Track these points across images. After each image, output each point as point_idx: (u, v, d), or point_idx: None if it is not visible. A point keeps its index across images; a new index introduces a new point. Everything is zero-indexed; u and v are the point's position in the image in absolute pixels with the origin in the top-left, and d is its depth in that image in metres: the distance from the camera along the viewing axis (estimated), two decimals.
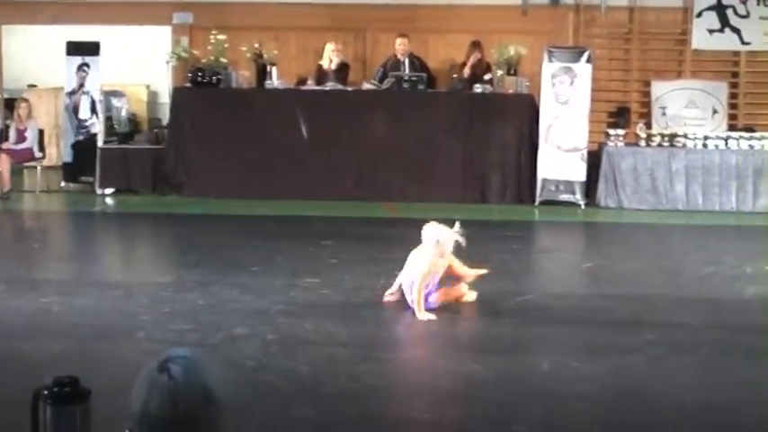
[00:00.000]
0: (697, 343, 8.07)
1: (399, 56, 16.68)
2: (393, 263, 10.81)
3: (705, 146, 15.81)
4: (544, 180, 15.83)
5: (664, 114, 17.36)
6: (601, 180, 15.81)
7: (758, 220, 14.93)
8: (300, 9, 17.45)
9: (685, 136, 15.91)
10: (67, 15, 17.40)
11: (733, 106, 17.63)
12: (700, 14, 17.61)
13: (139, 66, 17.57)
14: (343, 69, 16.65)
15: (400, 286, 9.01)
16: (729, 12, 17.55)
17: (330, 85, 16.23)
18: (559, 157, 15.76)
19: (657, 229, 14.37)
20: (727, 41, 17.66)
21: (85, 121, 16.72)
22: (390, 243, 12.17)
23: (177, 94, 16.37)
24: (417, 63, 16.71)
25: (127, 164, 16.19)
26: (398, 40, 16.71)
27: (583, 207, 15.69)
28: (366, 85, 16.44)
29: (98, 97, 16.63)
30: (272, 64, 16.29)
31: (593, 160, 15.89)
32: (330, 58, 16.59)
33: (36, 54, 18.53)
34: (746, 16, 17.55)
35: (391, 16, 17.43)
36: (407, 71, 16.44)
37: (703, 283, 10.47)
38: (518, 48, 16.15)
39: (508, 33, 16.81)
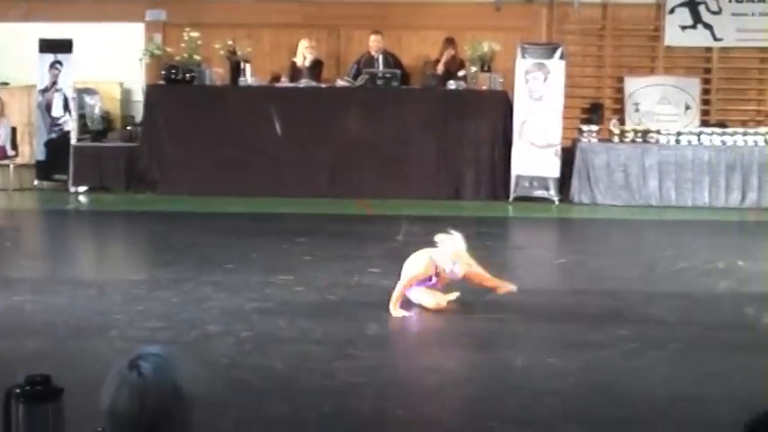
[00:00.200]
0: (669, 338, 8.12)
1: (373, 53, 16.67)
2: (367, 260, 10.87)
3: (678, 142, 15.87)
4: (518, 176, 15.86)
5: (637, 110, 17.41)
6: (574, 176, 15.85)
7: (731, 216, 15.01)
8: (274, 6, 17.41)
9: (658, 132, 15.98)
10: (40, 13, 17.30)
11: (705, 102, 17.70)
12: (672, 11, 17.67)
13: (113, 63, 17.48)
14: (316, 66, 16.62)
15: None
16: (702, 8, 17.62)
17: (304, 83, 16.21)
18: (533, 154, 15.80)
19: (631, 225, 14.42)
20: (700, 38, 17.73)
21: (58, 119, 16.65)
22: (364, 240, 12.22)
23: (151, 91, 16.31)
24: (391, 60, 16.71)
25: (100, 162, 16.13)
26: (372, 37, 16.70)
27: (557, 203, 15.73)
28: (340, 82, 16.43)
29: (71, 95, 16.55)
30: (246, 61, 16.26)
31: (567, 156, 15.93)
32: (304, 55, 16.56)
33: (8, 52, 18.41)
34: (718, 12, 17.61)
35: (365, 13, 17.42)
36: (381, 68, 16.44)
37: (676, 279, 10.52)
38: (491, 44, 16.17)
39: (482, 30, 16.82)
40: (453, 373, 7.20)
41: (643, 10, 17.89)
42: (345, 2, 17.59)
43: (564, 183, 15.90)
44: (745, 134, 15.96)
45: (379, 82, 16.10)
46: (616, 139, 16.02)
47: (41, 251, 12.37)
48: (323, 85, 16.37)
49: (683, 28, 17.68)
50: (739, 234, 13.96)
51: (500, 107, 16.04)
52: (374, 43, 16.67)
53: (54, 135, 16.60)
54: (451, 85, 16.06)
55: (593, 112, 17.11)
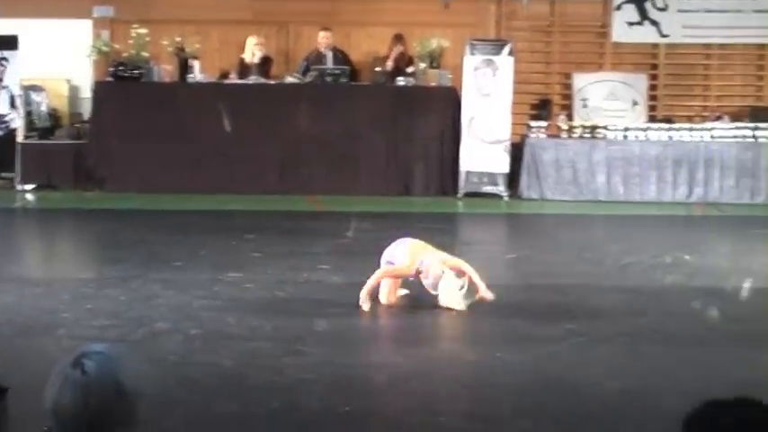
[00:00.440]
0: (618, 331, 8.19)
1: (322, 49, 16.65)
2: (316, 256, 10.87)
3: (626, 137, 16.00)
4: (467, 172, 15.90)
5: (585, 106, 17.50)
6: (523, 172, 15.92)
7: (677, 210, 15.15)
8: (222, 2, 17.33)
9: (606, 128, 16.09)
10: None
11: (653, 98, 17.82)
12: (619, 7, 17.77)
13: (60, 60, 17.31)
14: (265, 63, 16.57)
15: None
16: (648, 5, 17.74)
17: (253, 79, 16.16)
18: (482, 150, 15.84)
19: (579, 220, 14.51)
20: (647, 34, 17.85)
21: (5, 116, 16.50)
22: (314, 236, 12.22)
23: (98, 88, 16.20)
24: (340, 56, 16.69)
25: (48, 159, 16.00)
26: (321, 34, 16.67)
27: (506, 199, 15.79)
28: (289, 79, 16.40)
29: (17, 92, 16.39)
30: (195, 58, 16.19)
31: (516, 152, 15.99)
32: (253, 51, 16.50)
33: None
34: (665, 9, 17.74)
35: (314, 9, 17.38)
36: (330, 64, 16.42)
37: (624, 273, 10.61)
38: (440, 41, 16.20)
39: (430, 26, 16.84)
40: (403, 369, 7.21)
41: (590, 6, 17.98)
42: None
43: (513, 178, 15.96)
44: (691, 130, 16.11)
45: (328, 79, 16.09)
46: (564, 134, 16.11)
47: None
48: (272, 82, 16.33)
49: (630, 24, 17.80)
50: (686, 228, 14.08)
51: (449, 103, 16.07)
52: (323, 40, 16.65)
53: (0, 132, 16.44)
54: (400, 81, 16.08)
55: (542, 108, 17.19)
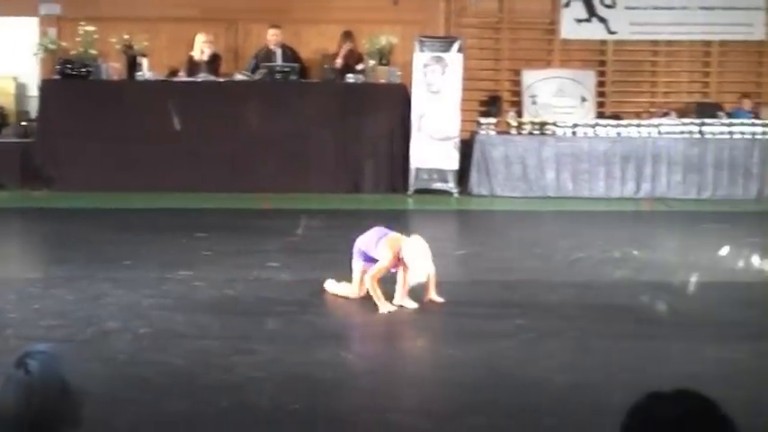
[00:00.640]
0: (567, 326, 8.23)
1: (272, 46, 16.61)
2: (266, 254, 10.84)
3: (574, 133, 16.09)
4: (417, 169, 15.94)
5: (534, 103, 17.59)
6: (473, 168, 15.97)
7: (626, 206, 15.26)
8: (171, 0, 17.26)
9: (555, 124, 16.17)
10: None
11: (601, 94, 17.95)
12: (568, 4, 17.89)
13: (6, 58, 17.17)
14: (214, 60, 16.51)
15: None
16: (596, 1, 17.87)
17: (202, 77, 16.09)
18: (432, 146, 15.88)
19: (529, 216, 14.58)
20: (595, 31, 17.98)
21: None
22: (263, 234, 12.19)
23: (46, 86, 16.07)
24: (290, 54, 16.67)
25: None
26: (270, 31, 16.64)
27: (456, 195, 15.83)
28: (238, 76, 16.34)
29: None
30: (143, 55, 16.09)
31: (466, 149, 16.05)
32: (201, 49, 16.43)
33: None
34: (612, 6, 17.88)
35: (263, 7, 17.34)
36: (280, 62, 16.39)
37: (573, 268, 10.67)
38: (389, 38, 16.21)
39: (380, 23, 16.86)
40: (352, 366, 7.21)
41: (539, 3, 18.08)
42: None
43: (463, 175, 16.01)
44: (639, 126, 16.24)
45: (278, 76, 16.06)
46: (514, 131, 16.18)
47: None
48: (221, 80, 16.27)
49: (579, 21, 17.91)
50: (634, 224, 14.17)
51: (398, 100, 16.09)
52: (272, 37, 16.62)
53: None
54: (350, 78, 16.08)
55: (491, 105, 17.27)
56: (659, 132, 16.10)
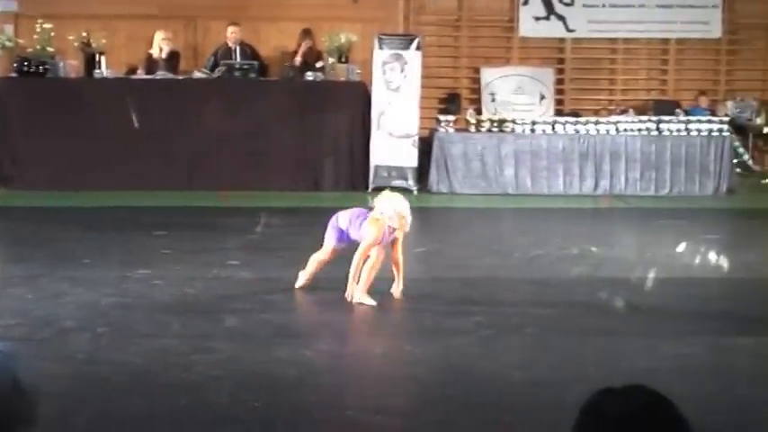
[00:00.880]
0: (525, 323, 8.28)
1: (231, 44, 16.57)
2: (226, 252, 10.83)
3: (533, 131, 16.14)
4: (376, 166, 15.95)
5: (493, 100, 17.66)
6: (432, 166, 16.00)
7: (584, 203, 15.33)
8: None
9: (514, 121, 16.21)
10: None
11: (559, 92, 18.05)
12: (526, 2, 17.96)
13: None
14: (173, 58, 16.45)
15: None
16: (554, 0, 17.96)
17: (160, 74, 16.03)
18: (391, 144, 15.90)
19: (488, 214, 14.62)
20: (553, 28, 18.07)
21: None
22: (223, 232, 12.17)
23: (2, 84, 15.95)
24: (249, 51, 16.63)
25: None
26: (230, 29, 16.59)
27: (415, 193, 15.82)
28: (197, 74, 16.29)
29: None
30: (101, 53, 16.00)
31: (425, 146, 16.07)
32: (160, 46, 16.36)
33: None
34: (571, 4, 17.98)
35: (222, 4, 17.31)
36: (239, 59, 16.35)
37: (532, 265, 10.72)
38: (349, 35, 16.21)
39: (339, 21, 16.87)
40: (311, 364, 7.22)
41: (498, 1, 18.16)
42: None
43: (422, 172, 16.03)
44: (597, 123, 16.31)
45: (237, 74, 16.02)
46: (473, 128, 16.21)
47: None
48: (180, 77, 16.22)
49: (537, 19, 18.00)
50: (592, 221, 14.26)
51: (358, 98, 16.10)
52: (231, 35, 16.57)
53: None
54: (309, 76, 16.06)
55: (450, 103, 17.31)
56: (617, 130, 16.18)
